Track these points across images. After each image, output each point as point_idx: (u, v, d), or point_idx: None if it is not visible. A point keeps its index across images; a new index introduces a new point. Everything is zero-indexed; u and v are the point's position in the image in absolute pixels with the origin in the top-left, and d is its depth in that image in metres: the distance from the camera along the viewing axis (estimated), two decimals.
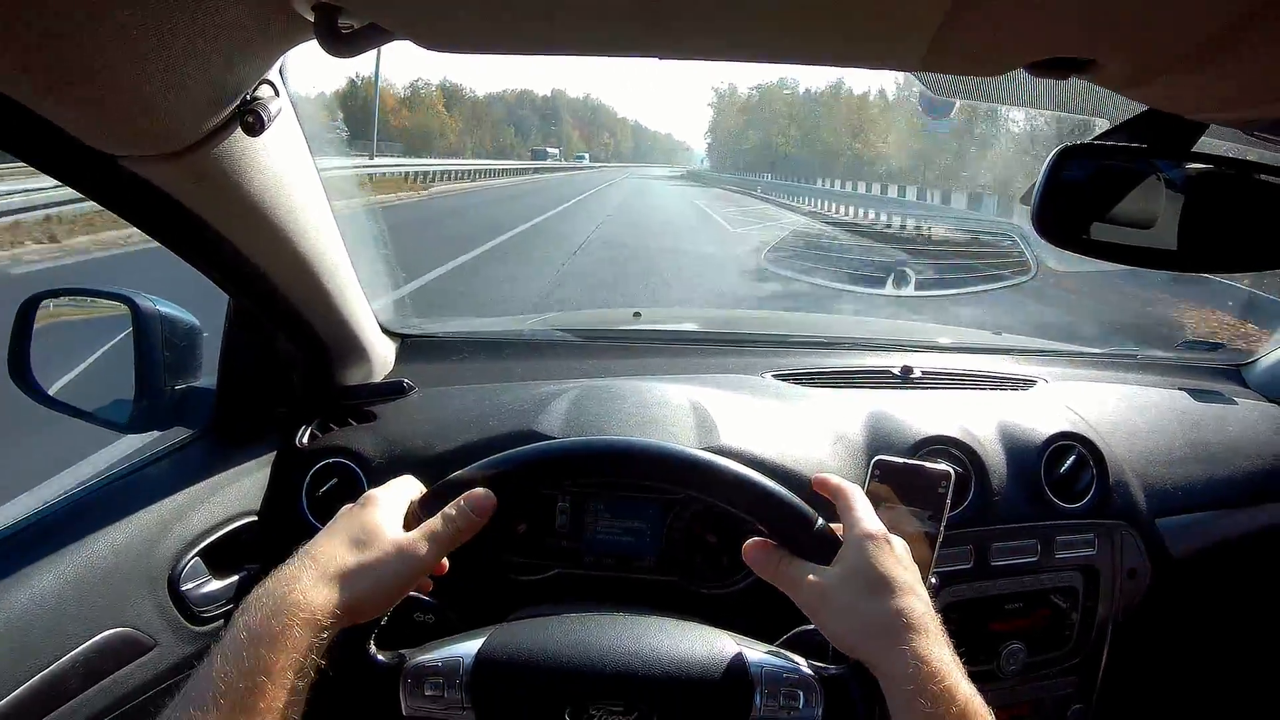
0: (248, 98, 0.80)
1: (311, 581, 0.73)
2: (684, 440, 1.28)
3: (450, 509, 0.82)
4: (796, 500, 0.85)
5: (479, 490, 0.83)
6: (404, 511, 0.83)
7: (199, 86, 0.72)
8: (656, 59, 0.73)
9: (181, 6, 0.59)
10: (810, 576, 0.80)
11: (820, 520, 0.84)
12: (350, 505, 0.84)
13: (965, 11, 0.54)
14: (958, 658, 0.75)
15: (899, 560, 0.80)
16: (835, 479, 0.89)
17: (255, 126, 0.80)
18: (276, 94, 0.83)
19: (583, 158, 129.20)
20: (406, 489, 0.86)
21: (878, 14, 0.59)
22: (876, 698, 0.77)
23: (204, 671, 0.68)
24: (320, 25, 0.64)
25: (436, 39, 0.69)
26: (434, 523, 0.81)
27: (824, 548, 0.82)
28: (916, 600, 0.77)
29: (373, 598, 0.77)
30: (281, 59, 0.81)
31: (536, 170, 55.88)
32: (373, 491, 0.84)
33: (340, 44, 0.66)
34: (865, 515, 0.83)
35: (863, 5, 0.58)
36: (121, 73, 0.64)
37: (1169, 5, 0.51)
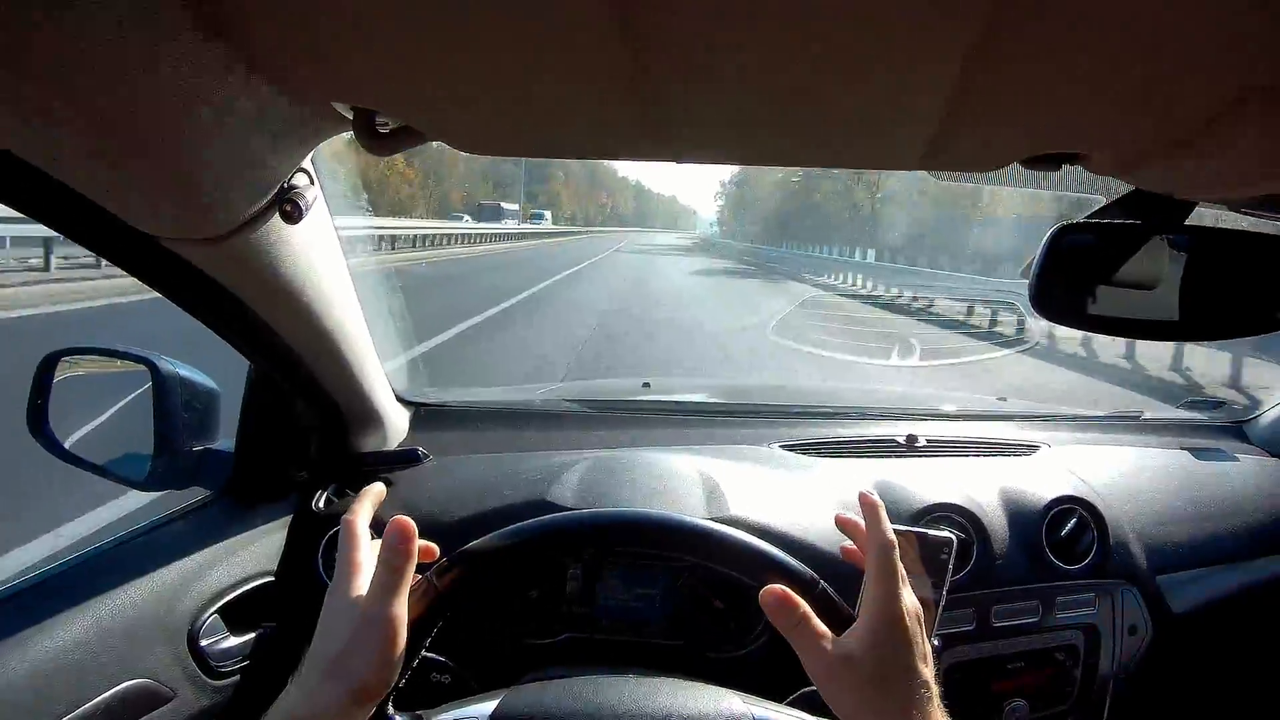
0: (285, 186, 0.82)
1: (318, 683, 0.74)
2: (693, 510, 1.30)
3: (382, 551, 0.79)
4: (795, 563, 0.86)
5: (397, 519, 0.80)
6: (370, 577, 0.79)
7: (240, 177, 0.75)
8: (672, 163, 0.76)
9: (226, 102, 0.62)
10: (824, 645, 0.78)
11: (821, 584, 0.84)
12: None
13: (957, 120, 0.58)
14: None
15: (913, 645, 0.78)
16: (882, 532, 0.83)
17: (294, 215, 0.83)
18: (312, 182, 0.85)
19: (540, 217, 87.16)
20: (361, 547, 0.81)
21: (876, 123, 0.63)
22: None
23: None
24: (359, 124, 0.67)
25: (467, 142, 0.72)
26: (378, 574, 0.78)
27: (823, 613, 0.81)
28: (924, 690, 0.76)
29: (376, 675, 0.75)
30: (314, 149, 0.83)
31: (467, 235, 39.81)
32: (338, 569, 0.80)
33: (377, 142, 0.69)
34: (894, 592, 0.80)
35: (861, 116, 0.61)
36: (167, 162, 0.67)
37: (1151, 101, 0.54)
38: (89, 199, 0.72)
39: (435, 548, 0.87)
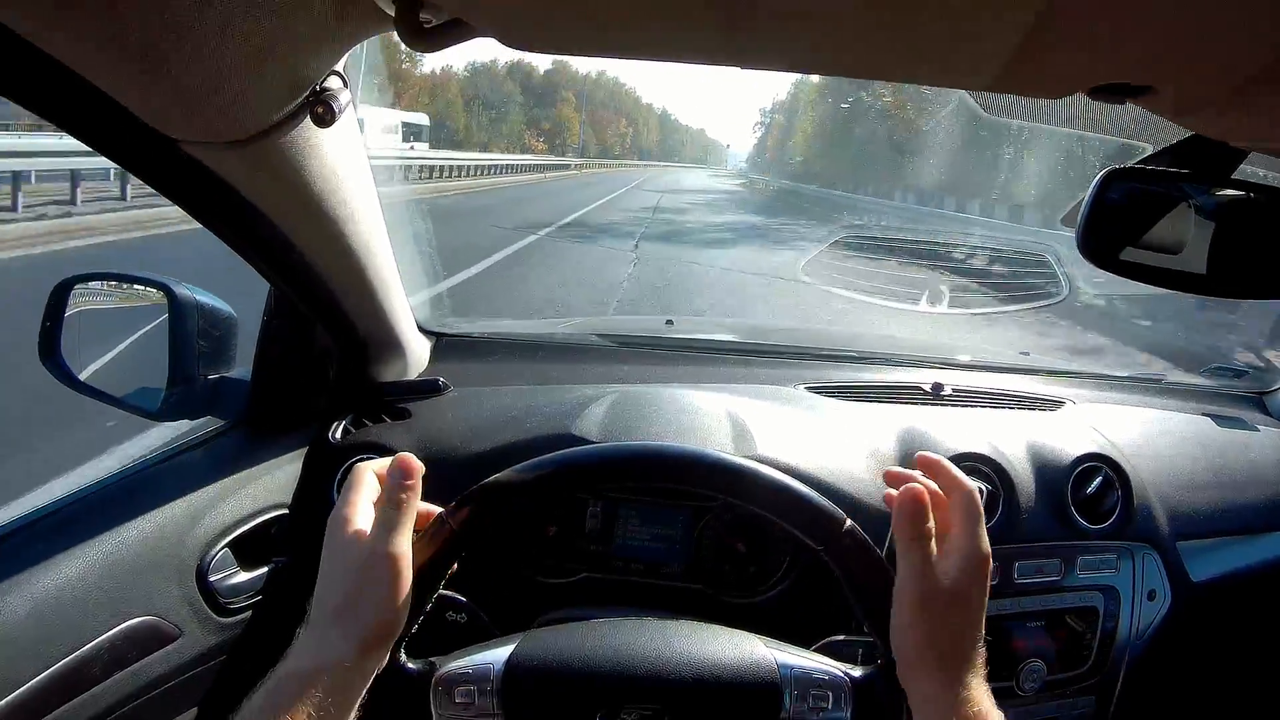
0: (318, 88, 0.78)
1: (324, 631, 0.72)
2: (722, 448, 1.28)
3: (385, 487, 0.78)
4: (828, 503, 0.85)
5: (401, 455, 0.79)
6: (373, 516, 0.77)
7: (273, 74, 0.71)
8: (736, 68, 0.71)
9: None
10: (928, 567, 0.78)
11: (849, 523, 0.83)
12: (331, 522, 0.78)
13: (1039, 38, 0.54)
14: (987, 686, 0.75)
15: (987, 592, 0.79)
16: (962, 480, 0.82)
17: (326, 118, 0.79)
18: (345, 85, 0.81)
19: (414, 136, 39.20)
20: (365, 486, 0.80)
21: (958, 36, 0.59)
22: (905, 702, 0.77)
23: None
24: (402, 17, 0.63)
25: (520, 38, 0.67)
26: (381, 512, 0.77)
27: (855, 552, 0.82)
28: (980, 630, 0.77)
29: (383, 619, 0.74)
30: (350, 50, 0.78)
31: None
32: (337, 512, 0.78)
33: (421, 39, 0.64)
34: (980, 533, 0.79)
35: (945, 28, 0.57)
36: (198, 56, 0.64)
37: (1225, 36, 0.51)
38: (108, 97, 0.69)
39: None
